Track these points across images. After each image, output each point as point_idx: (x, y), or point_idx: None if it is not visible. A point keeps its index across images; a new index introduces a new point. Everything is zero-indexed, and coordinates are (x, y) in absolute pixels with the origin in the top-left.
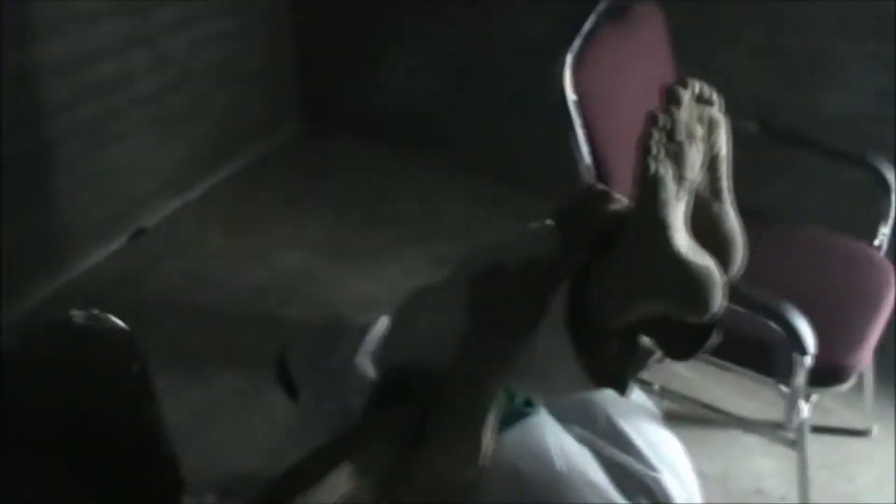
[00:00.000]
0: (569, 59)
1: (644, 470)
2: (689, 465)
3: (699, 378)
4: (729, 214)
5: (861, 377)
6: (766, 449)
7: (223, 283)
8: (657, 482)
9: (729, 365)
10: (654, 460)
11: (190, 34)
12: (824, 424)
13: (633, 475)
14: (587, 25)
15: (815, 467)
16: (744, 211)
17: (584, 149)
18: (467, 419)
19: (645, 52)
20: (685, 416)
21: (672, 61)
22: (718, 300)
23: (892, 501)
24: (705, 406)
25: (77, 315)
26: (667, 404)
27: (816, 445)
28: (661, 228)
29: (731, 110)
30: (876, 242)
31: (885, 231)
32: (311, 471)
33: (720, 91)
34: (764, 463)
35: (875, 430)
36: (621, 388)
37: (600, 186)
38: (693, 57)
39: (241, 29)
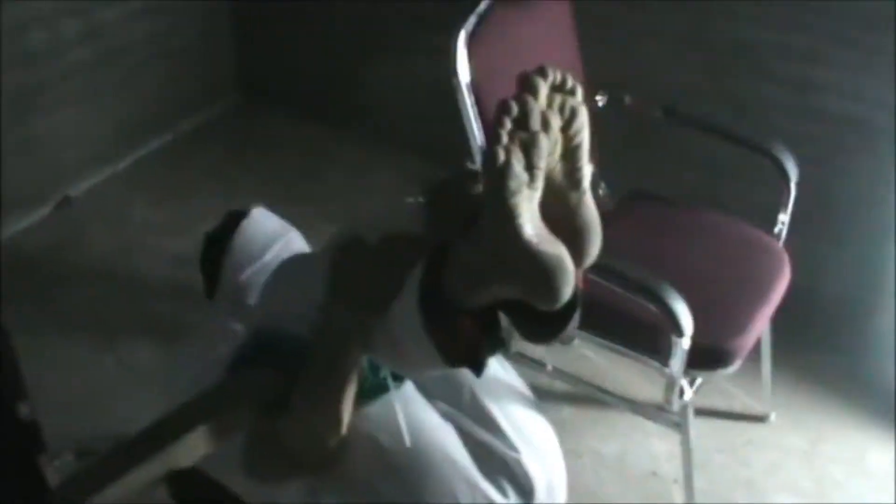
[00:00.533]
0: (462, 37)
1: (505, 449)
2: (556, 447)
3: (605, 361)
4: (587, 204)
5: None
6: (663, 432)
7: (146, 253)
8: (518, 462)
9: (615, 346)
10: (517, 440)
11: (124, 6)
12: (725, 409)
13: (494, 454)
14: (483, 4)
15: (712, 451)
16: (645, 195)
17: (476, 129)
18: (324, 389)
19: (546, 35)
20: (587, 398)
21: (576, 46)
22: (568, 288)
23: (784, 485)
24: (596, 388)
25: None
26: (565, 386)
27: (715, 430)
28: (509, 217)
29: (648, 96)
30: (775, 230)
31: (783, 219)
32: (168, 430)
33: (642, 77)
34: (661, 446)
35: (773, 416)
36: (476, 368)
37: (470, 166)
38: (616, 43)
39: (177, 1)
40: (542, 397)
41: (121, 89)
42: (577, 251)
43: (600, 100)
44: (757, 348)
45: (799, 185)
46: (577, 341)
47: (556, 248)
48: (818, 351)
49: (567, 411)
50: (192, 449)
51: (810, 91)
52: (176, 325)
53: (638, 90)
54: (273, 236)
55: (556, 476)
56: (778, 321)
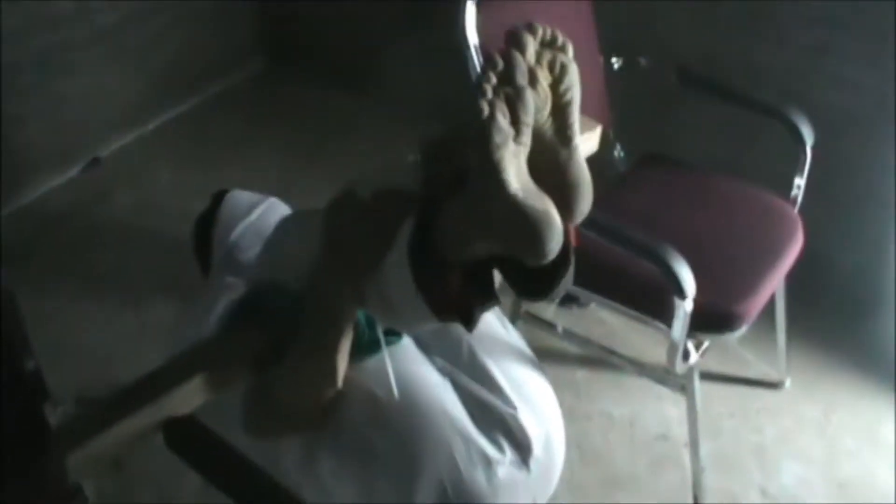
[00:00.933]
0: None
1: (502, 405)
2: (555, 405)
3: (620, 326)
4: (577, 160)
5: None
6: (676, 398)
7: (170, 215)
8: (514, 418)
9: (623, 308)
10: (514, 397)
11: None
12: (740, 376)
13: (490, 409)
14: None
15: (725, 416)
16: (659, 158)
17: None
18: (318, 342)
19: None
20: (601, 362)
21: (591, 8)
22: (555, 244)
23: (795, 452)
24: (604, 349)
25: None
26: (579, 350)
27: (729, 396)
28: (494, 171)
29: (665, 60)
30: (791, 196)
31: (799, 183)
32: (164, 379)
33: (658, 41)
34: (673, 411)
35: (788, 383)
36: (467, 323)
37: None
38: (632, 7)
39: None
40: (556, 360)
41: (147, 53)
42: (568, 207)
43: (616, 62)
44: (772, 316)
45: (818, 153)
46: (593, 305)
47: (542, 203)
48: (835, 320)
49: (580, 374)
50: (188, 398)
51: (828, 57)
52: (195, 285)
53: (654, 54)
54: (256, 201)
55: (555, 434)
56: (795, 289)
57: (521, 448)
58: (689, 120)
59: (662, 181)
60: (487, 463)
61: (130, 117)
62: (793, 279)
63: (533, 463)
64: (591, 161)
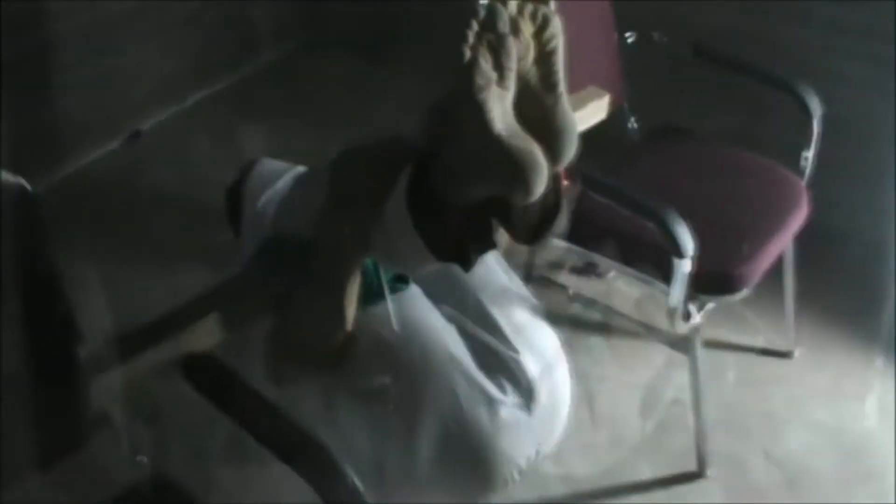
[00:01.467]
0: None
1: (505, 349)
2: (560, 353)
3: (637, 293)
4: (563, 106)
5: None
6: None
7: (207, 186)
8: (517, 362)
9: (630, 271)
10: (518, 342)
11: None
12: (749, 344)
13: (494, 353)
14: None
15: (733, 385)
16: (671, 128)
17: None
18: (327, 286)
19: None
20: (619, 329)
21: None
22: (540, 183)
23: (802, 418)
24: (618, 314)
25: None
26: (597, 315)
27: (738, 364)
28: (478, 112)
29: (679, 35)
30: (800, 167)
31: (807, 155)
32: (182, 317)
33: (674, 17)
34: (686, 377)
35: (797, 353)
36: (465, 264)
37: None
38: None
39: None
40: (571, 325)
41: (187, 29)
42: (555, 151)
43: (629, 37)
44: (783, 286)
45: (830, 126)
46: (612, 274)
47: (527, 144)
48: (846, 292)
49: (594, 339)
50: (205, 335)
51: (842, 32)
52: (229, 251)
53: (667, 30)
54: (285, 168)
55: (560, 381)
56: (808, 262)
57: (524, 390)
58: (702, 93)
59: (672, 151)
60: (490, 402)
61: (170, 92)
62: (804, 251)
63: (535, 406)
64: (602, 130)
